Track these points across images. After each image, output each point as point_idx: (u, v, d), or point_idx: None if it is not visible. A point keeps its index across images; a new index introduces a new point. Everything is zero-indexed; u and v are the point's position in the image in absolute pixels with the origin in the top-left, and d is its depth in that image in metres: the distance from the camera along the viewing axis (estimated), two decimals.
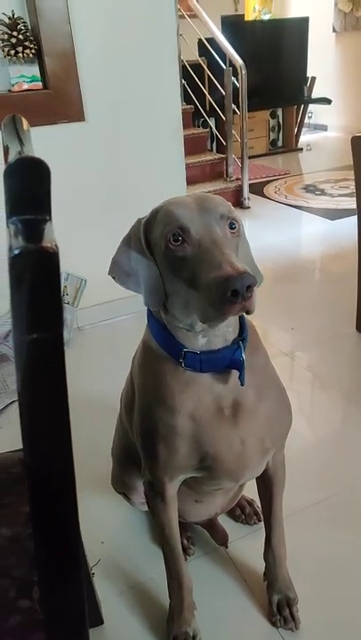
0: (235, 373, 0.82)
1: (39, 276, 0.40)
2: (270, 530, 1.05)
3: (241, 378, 0.81)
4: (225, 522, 1.26)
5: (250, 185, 3.94)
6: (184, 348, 0.80)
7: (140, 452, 0.92)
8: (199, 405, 0.83)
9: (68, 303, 2.21)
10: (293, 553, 1.09)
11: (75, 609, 0.48)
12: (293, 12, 6.53)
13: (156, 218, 0.77)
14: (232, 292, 0.64)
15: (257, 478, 1.01)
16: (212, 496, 1.05)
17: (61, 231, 2.10)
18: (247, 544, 1.22)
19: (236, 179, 3.94)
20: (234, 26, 5.06)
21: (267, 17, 6.58)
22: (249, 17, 6.51)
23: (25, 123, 0.60)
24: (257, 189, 4.20)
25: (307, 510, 1.31)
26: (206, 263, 0.68)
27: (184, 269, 0.72)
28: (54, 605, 0.49)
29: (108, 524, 1.32)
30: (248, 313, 0.70)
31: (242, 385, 0.82)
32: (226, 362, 0.80)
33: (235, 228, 0.75)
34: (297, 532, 1.22)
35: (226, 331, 0.80)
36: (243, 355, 0.80)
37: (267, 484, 1.02)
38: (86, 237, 2.18)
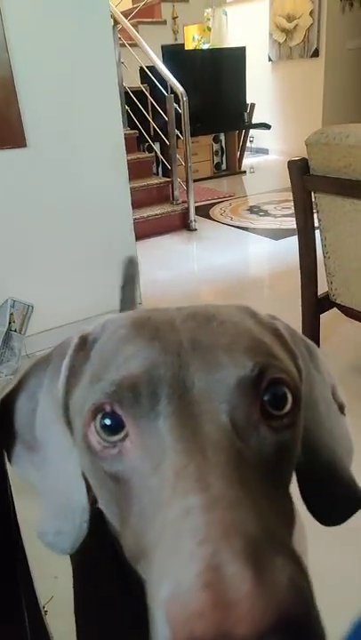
0: None
1: None
2: None
3: None
4: None
5: (196, 207, 4.01)
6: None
7: None
8: None
9: (14, 330, 2.16)
10: None
11: None
12: (231, 41, 6.80)
13: (95, 344, 0.36)
14: None
15: None
16: None
17: (6, 257, 2.08)
18: None
19: (183, 202, 4.00)
20: (174, 54, 5.20)
21: (206, 46, 6.81)
22: (189, 46, 6.71)
23: None
24: (203, 212, 4.28)
25: None
26: (162, 527, 0.26)
27: (120, 511, 0.31)
28: None
29: (61, 557, 1.27)
30: None
31: None
32: None
33: (284, 404, 0.31)
34: None
35: None
36: None
37: None
38: (31, 263, 2.15)
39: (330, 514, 0.37)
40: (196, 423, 0.28)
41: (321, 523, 0.38)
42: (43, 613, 1.02)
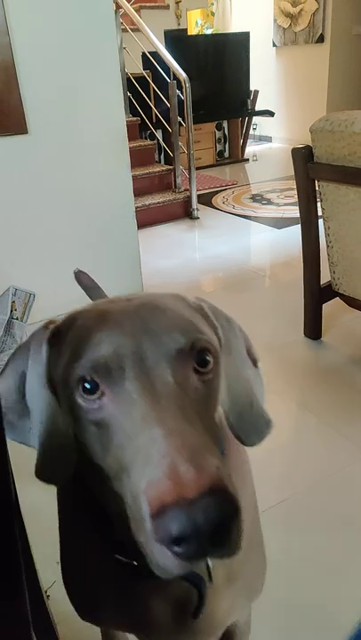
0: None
1: None
2: None
3: (198, 609, 0.52)
4: None
5: (198, 196, 3.99)
6: (118, 548, 0.51)
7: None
8: (136, 607, 0.57)
9: (16, 319, 2.16)
10: None
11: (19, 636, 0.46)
12: (235, 27, 6.71)
13: (68, 331, 0.46)
14: (176, 540, 0.34)
15: None
16: None
17: (7, 245, 2.07)
18: None
19: (185, 190, 3.98)
20: (177, 40, 5.14)
21: (209, 31, 6.73)
22: (192, 31, 6.64)
23: None
24: (205, 200, 4.25)
25: (265, 513, 1.32)
26: (135, 450, 0.38)
27: (102, 446, 0.42)
28: None
29: None
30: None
31: (195, 618, 0.53)
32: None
33: (207, 363, 0.44)
34: None
35: None
36: (209, 564, 0.52)
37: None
38: (33, 251, 2.14)
39: (249, 437, 0.53)
40: (151, 383, 0.41)
41: (244, 444, 0.54)
42: (45, 598, 1.04)
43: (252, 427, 0.53)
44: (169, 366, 0.42)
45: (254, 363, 0.57)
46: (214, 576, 0.54)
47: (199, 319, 0.49)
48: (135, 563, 0.50)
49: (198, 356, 0.44)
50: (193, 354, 0.44)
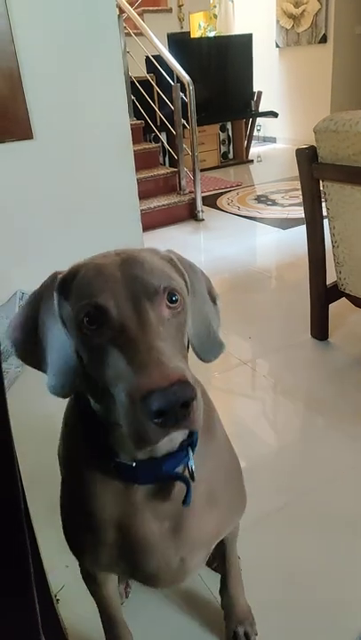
0: (180, 484, 0.67)
1: None
2: (226, 571, 0.99)
3: (187, 499, 0.66)
4: None
5: (203, 197, 3.99)
6: (116, 457, 0.64)
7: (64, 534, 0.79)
8: (132, 519, 0.68)
9: None
10: (254, 560, 1.10)
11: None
12: (237, 29, 6.72)
13: (73, 280, 0.60)
14: (158, 414, 0.48)
15: None
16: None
17: (14, 250, 2.08)
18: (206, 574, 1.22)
19: (190, 192, 3.98)
20: (180, 43, 5.16)
21: (212, 34, 6.74)
22: (195, 34, 6.65)
23: None
24: (210, 202, 4.26)
25: (272, 515, 1.32)
26: (128, 361, 0.51)
27: (103, 362, 0.55)
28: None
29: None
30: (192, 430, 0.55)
31: (186, 505, 0.66)
32: (169, 475, 0.66)
33: (176, 301, 0.58)
34: (261, 539, 1.23)
35: None
36: (192, 465, 0.66)
37: (220, 543, 0.92)
38: (40, 255, 2.15)
39: (207, 356, 0.68)
40: (136, 315, 0.55)
41: (203, 361, 0.68)
42: (54, 602, 1.04)
43: (209, 349, 0.68)
44: (148, 303, 0.56)
45: (214, 301, 0.71)
46: (199, 494, 0.69)
47: (169, 268, 0.63)
48: (134, 464, 0.64)
49: (169, 296, 0.58)
50: (165, 294, 0.57)
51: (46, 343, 0.61)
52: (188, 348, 0.63)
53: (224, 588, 1.02)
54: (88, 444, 0.68)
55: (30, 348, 0.63)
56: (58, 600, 1.11)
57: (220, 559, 0.99)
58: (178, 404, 0.47)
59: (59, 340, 0.60)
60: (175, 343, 0.56)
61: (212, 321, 0.69)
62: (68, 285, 0.60)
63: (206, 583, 1.16)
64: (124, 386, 0.51)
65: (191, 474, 0.65)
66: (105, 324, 0.55)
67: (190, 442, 0.66)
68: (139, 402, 0.48)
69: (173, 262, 0.65)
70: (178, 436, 0.65)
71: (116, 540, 0.70)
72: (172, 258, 0.65)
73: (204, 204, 3.97)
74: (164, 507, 0.68)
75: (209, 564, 1.16)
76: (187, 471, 0.67)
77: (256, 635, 1.03)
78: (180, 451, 0.65)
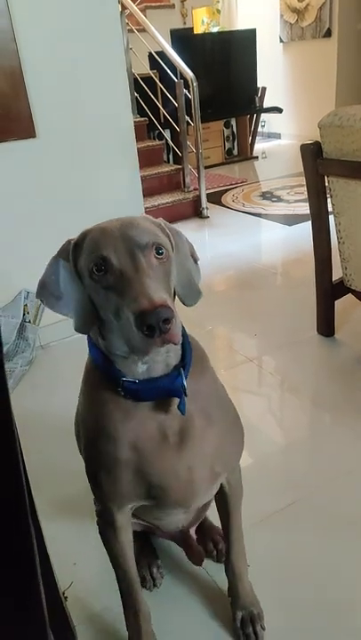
0: (177, 401, 0.80)
1: None
2: (230, 545, 1.04)
3: (181, 407, 0.79)
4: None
5: (208, 194, 3.98)
6: (123, 376, 0.78)
7: (88, 480, 0.90)
8: (142, 434, 0.81)
9: (29, 322, 2.18)
10: (261, 558, 1.09)
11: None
12: (241, 24, 6.68)
13: (83, 242, 0.76)
14: (147, 327, 0.64)
15: (215, 495, 1.01)
16: (170, 516, 1.00)
17: (19, 249, 2.07)
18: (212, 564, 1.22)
19: (194, 189, 3.97)
20: (183, 39, 5.14)
21: (215, 29, 6.70)
22: (198, 30, 6.62)
23: None
24: (215, 198, 4.24)
25: (279, 512, 1.31)
26: (126, 295, 0.67)
27: (109, 300, 0.71)
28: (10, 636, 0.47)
29: (79, 544, 1.29)
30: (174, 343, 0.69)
31: (183, 414, 0.80)
32: (165, 390, 0.79)
33: (162, 253, 0.73)
34: (268, 536, 1.23)
35: (167, 356, 0.78)
36: (184, 382, 0.79)
37: (224, 503, 1.02)
38: (45, 254, 2.15)
39: (188, 301, 0.82)
40: (132, 263, 0.70)
41: (185, 305, 0.82)
42: (63, 599, 1.04)
43: (190, 295, 0.83)
44: (140, 253, 0.71)
45: (195, 260, 0.87)
46: (196, 412, 0.83)
47: (158, 230, 0.78)
48: (137, 380, 0.78)
49: (156, 249, 0.72)
50: (153, 247, 0.72)
51: (67, 294, 0.77)
52: (174, 295, 0.78)
53: (228, 563, 1.05)
54: (100, 371, 0.82)
55: (55, 301, 0.78)
56: (66, 597, 1.11)
57: (224, 530, 1.05)
58: (160, 319, 0.63)
59: (77, 291, 0.76)
60: (162, 284, 0.71)
61: (194, 274, 0.85)
62: (80, 245, 0.76)
63: (213, 577, 1.16)
64: (123, 311, 0.67)
65: (184, 389, 0.78)
66: (109, 271, 0.70)
67: (182, 365, 0.80)
68: (133, 320, 0.65)
69: (162, 227, 0.80)
70: (172, 361, 0.79)
71: (131, 459, 0.81)
72: (161, 224, 0.81)
73: (208, 201, 3.95)
74: (167, 422, 0.81)
75: (218, 559, 1.19)
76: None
77: (262, 618, 1.04)
78: (174, 371, 0.79)
